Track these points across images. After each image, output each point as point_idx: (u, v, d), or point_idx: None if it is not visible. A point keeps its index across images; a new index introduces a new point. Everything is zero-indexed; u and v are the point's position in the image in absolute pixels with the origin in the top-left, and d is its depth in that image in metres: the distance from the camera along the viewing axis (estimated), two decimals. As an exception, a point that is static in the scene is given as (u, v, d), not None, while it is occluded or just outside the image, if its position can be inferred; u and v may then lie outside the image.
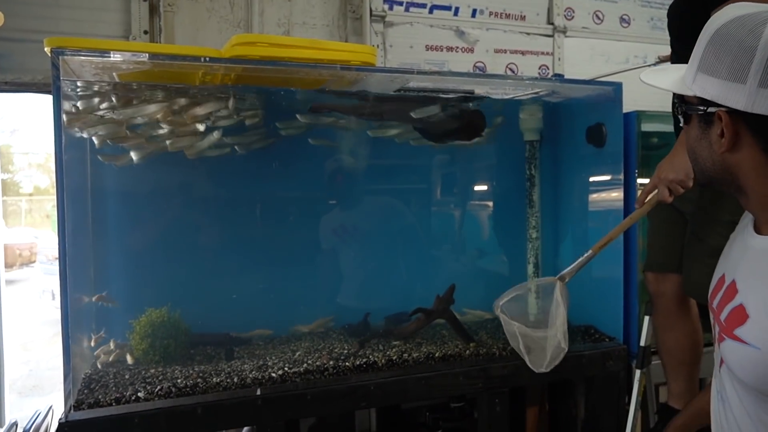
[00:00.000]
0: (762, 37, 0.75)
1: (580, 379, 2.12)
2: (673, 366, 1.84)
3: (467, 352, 1.87)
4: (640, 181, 2.06)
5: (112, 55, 1.56)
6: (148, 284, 1.94)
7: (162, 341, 1.79)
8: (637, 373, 1.88)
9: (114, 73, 1.77)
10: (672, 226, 1.81)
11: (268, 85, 1.91)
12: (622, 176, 2.03)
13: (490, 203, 2.44)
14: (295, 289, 2.08)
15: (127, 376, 1.65)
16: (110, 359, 1.79)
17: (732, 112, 0.79)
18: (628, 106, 2.04)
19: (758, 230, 0.89)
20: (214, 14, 2.61)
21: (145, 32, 2.48)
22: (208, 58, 1.67)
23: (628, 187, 2.04)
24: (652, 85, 0.92)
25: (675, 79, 0.89)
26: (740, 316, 0.83)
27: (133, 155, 1.85)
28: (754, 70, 0.75)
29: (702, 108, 0.83)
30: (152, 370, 1.70)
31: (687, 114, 0.88)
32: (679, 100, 0.89)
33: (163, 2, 2.49)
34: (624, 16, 3.25)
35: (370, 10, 2.72)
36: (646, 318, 1.90)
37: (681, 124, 0.93)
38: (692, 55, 0.86)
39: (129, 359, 1.77)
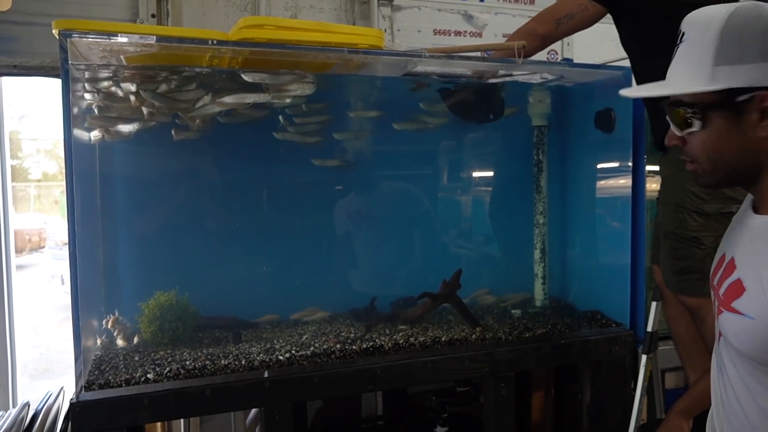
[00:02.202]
0: (759, 23, 0.81)
1: (586, 364, 2.12)
2: (689, 356, 1.85)
3: (473, 336, 1.87)
4: (648, 168, 2.04)
5: (120, 38, 1.56)
6: (156, 267, 1.96)
7: (170, 324, 1.81)
8: (644, 358, 1.87)
9: (122, 57, 1.77)
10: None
11: (276, 68, 1.90)
12: (630, 162, 2.02)
13: (498, 189, 2.43)
14: (303, 274, 2.09)
15: (136, 358, 1.67)
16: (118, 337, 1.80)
17: None
18: (637, 91, 2.02)
19: (756, 210, 0.93)
20: (221, -3, 2.61)
21: (153, 16, 2.47)
22: (215, 41, 1.66)
23: (637, 174, 2.03)
24: (655, 95, 0.91)
25: (680, 83, 0.88)
26: (738, 289, 0.88)
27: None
28: None
29: (729, 99, 0.84)
30: (161, 353, 1.72)
31: (705, 115, 0.87)
32: (688, 107, 0.88)
33: (171, -15, 2.48)
34: (634, 0, 3.22)
35: (378, -6, 2.70)
36: (654, 303, 1.89)
37: (685, 131, 0.90)
38: (691, 56, 0.87)
39: (135, 339, 1.79)
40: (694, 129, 0.89)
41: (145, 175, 1.96)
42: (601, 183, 2.21)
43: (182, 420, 2.09)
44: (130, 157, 1.95)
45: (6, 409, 2.16)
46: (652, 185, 2.04)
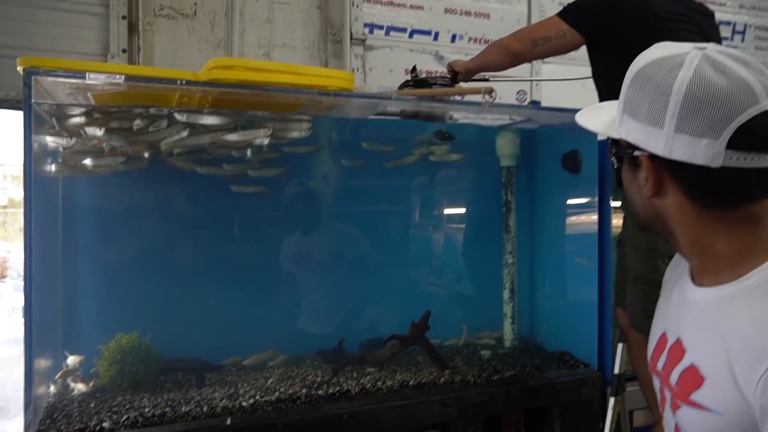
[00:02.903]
0: (677, 80, 0.72)
1: (556, 405, 2.11)
2: (655, 399, 1.84)
3: (442, 379, 1.86)
4: (613, 204, 2.08)
5: (87, 77, 1.54)
6: (119, 308, 1.90)
7: (131, 368, 1.75)
8: (611, 400, 1.88)
9: (89, 94, 1.75)
10: (623, 261, 1.85)
11: (246, 108, 1.90)
12: (597, 200, 2.06)
13: (467, 228, 2.45)
14: (269, 315, 2.06)
15: (92, 405, 1.61)
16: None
17: (653, 157, 0.76)
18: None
19: (694, 280, 0.84)
20: (194, 34, 2.61)
21: (124, 51, 2.46)
22: (184, 81, 1.66)
23: (603, 213, 2.06)
24: (584, 126, 0.87)
25: (605, 120, 0.86)
26: (694, 378, 0.76)
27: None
28: (670, 114, 0.72)
29: (629, 151, 0.79)
30: (119, 398, 1.65)
31: (618, 156, 0.83)
32: (611, 141, 0.85)
33: (143, 21, 2.48)
34: (600, 45, 3.32)
35: (351, 34, 2.74)
36: (620, 345, 1.91)
37: (614, 167, 0.89)
38: (619, 101, 0.82)
39: (85, 387, 1.72)
40: (616, 166, 0.87)
41: (110, 212, 1.93)
42: (569, 222, 2.25)
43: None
44: (95, 192, 1.91)
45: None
46: (619, 221, 2.07)
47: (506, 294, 2.27)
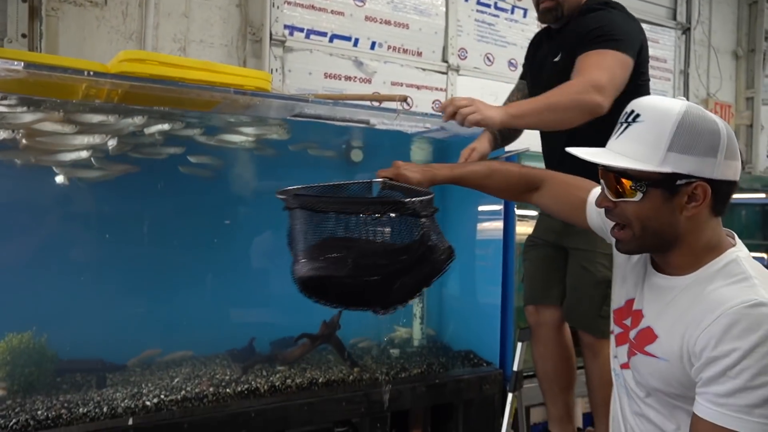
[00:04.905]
0: (718, 124, 0.98)
1: (460, 402, 2.21)
2: (553, 393, 1.96)
3: (351, 377, 1.90)
4: (518, 212, 2.21)
5: (-20, 61, 1.45)
6: (9, 305, 1.79)
7: (23, 369, 1.66)
8: (510, 396, 1.99)
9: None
10: (550, 262, 1.96)
11: (157, 105, 1.85)
12: (503, 208, 2.18)
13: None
14: (176, 314, 2.01)
15: (-22, 409, 1.51)
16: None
17: (706, 181, 0.98)
18: (509, 146, 2.19)
19: (658, 269, 1.10)
20: (104, 23, 2.50)
21: (24, 35, 2.32)
22: (92, 72, 1.60)
23: (508, 218, 2.19)
24: (610, 165, 1.01)
25: (626, 159, 1.00)
26: (648, 336, 1.05)
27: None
28: (722, 148, 0.97)
29: (673, 182, 0.98)
30: (8, 401, 1.57)
31: (647, 188, 1.00)
32: (635, 180, 1.00)
33: (46, 5, 2.34)
34: (512, 60, 3.51)
35: (270, 34, 2.73)
36: (519, 344, 2.02)
37: (622, 198, 1.03)
38: (646, 136, 0.99)
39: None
40: (633, 199, 1.01)
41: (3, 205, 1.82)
42: (477, 227, 2.36)
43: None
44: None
45: None
46: (524, 228, 2.19)
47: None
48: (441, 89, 3.32)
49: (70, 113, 1.77)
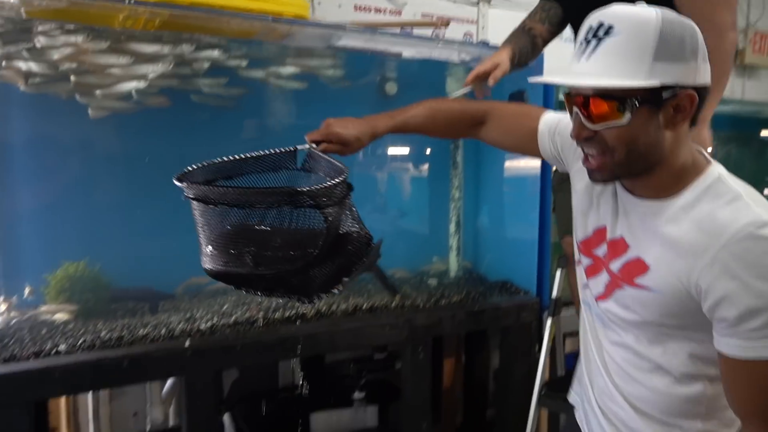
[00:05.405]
0: (688, 25, 0.89)
1: (496, 330, 2.26)
2: None
3: (393, 304, 1.94)
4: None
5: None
6: (64, 236, 1.85)
7: (80, 296, 1.73)
8: (549, 320, 2.03)
9: (22, 9, 1.64)
10: None
11: (195, 32, 1.83)
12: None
13: (415, 164, 2.51)
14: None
15: (44, 331, 1.59)
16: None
17: (691, 89, 0.89)
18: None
19: (634, 193, 0.99)
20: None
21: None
22: (133, 0, 1.59)
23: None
24: (601, 86, 0.89)
25: (607, 77, 0.89)
26: (639, 267, 0.97)
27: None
28: (701, 49, 0.89)
29: (664, 93, 0.88)
30: (72, 324, 1.64)
31: (635, 107, 0.89)
32: (618, 100, 0.89)
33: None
34: (544, -9, 3.38)
35: (300, -35, 2.66)
36: (559, 271, 2.05)
37: (605, 123, 0.90)
38: (629, 55, 0.87)
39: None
40: (620, 122, 0.90)
41: (55, 136, 1.84)
42: (514, 162, 2.34)
43: (90, 396, 2.02)
44: (40, 118, 1.82)
45: None
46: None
47: (452, 227, 2.37)
48: (472, 21, 3.23)
49: (113, 43, 1.76)
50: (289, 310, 1.81)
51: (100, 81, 1.77)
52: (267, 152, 1.21)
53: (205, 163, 1.16)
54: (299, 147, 1.21)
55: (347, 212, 1.10)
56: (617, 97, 0.89)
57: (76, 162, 1.89)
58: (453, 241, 2.37)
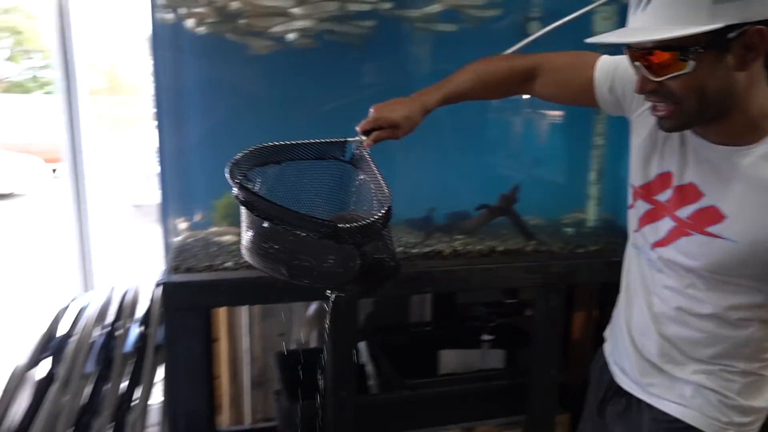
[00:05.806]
0: None
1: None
2: None
3: (528, 248, 1.94)
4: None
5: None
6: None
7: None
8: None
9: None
10: None
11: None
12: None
13: (555, 109, 2.42)
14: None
15: (213, 249, 1.79)
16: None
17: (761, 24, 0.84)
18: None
19: (709, 138, 0.98)
20: None
21: None
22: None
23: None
24: (658, 38, 0.85)
25: (667, 29, 0.85)
26: (714, 215, 0.96)
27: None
28: None
29: (725, 36, 0.84)
30: (234, 247, 1.83)
31: (699, 53, 0.86)
32: (680, 50, 0.86)
33: None
34: None
35: None
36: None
37: (669, 74, 0.87)
38: (685, 1, 0.84)
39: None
40: (684, 71, 0.87)
41: (222, 78, 2.00)
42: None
43: (246, 313, 2.26)
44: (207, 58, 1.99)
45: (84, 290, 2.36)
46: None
47: (593, 175, 2.28)
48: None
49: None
50: (426, 247, 1.88)
51: (267, 23, 1.87)
52: (316, 141, 1.25)
53: (256, 147, 1.19)
54: (349, 139, 1.24)
55: (380, 244, 1.08)
56: (679, 47, 0.86)
57: (240, 100, 2.05)
58: (593, 191, 2.29)
